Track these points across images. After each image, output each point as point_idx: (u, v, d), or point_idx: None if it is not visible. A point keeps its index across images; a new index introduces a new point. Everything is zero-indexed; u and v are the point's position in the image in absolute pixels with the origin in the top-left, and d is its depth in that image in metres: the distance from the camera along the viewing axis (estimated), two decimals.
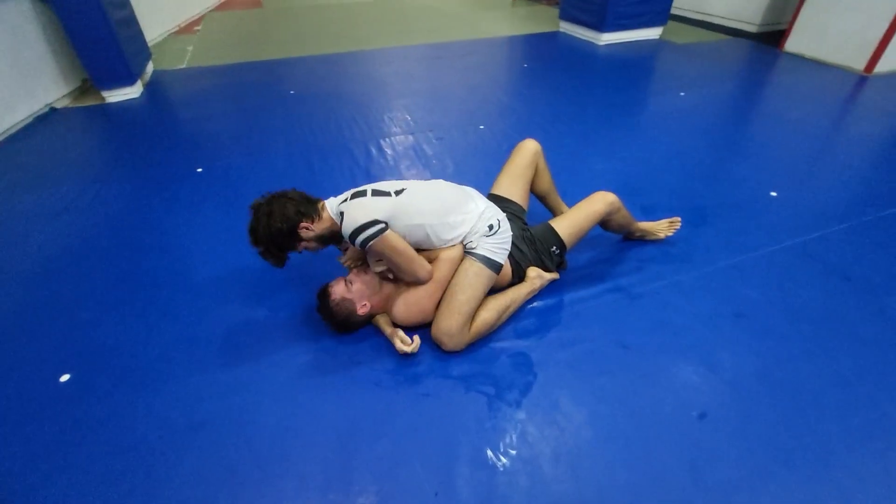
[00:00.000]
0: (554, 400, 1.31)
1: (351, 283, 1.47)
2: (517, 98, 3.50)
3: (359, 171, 2.50)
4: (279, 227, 1.35)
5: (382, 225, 1.33)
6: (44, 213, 2.23)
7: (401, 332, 1.45)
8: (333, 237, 1.47)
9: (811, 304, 1.59)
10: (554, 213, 1.93)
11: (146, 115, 3.33)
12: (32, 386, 1.40)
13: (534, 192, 1.85)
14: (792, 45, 4.19)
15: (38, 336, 1.57)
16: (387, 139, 2.85)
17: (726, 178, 2.35)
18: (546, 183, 1.84)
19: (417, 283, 1.46)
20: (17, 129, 3.04)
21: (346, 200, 1.41)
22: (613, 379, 1.37)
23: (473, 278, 1.46)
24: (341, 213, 1.37)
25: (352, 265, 1.61)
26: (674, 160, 2.53)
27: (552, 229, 1.62)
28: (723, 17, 5.18)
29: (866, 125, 2.90)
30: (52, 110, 3.33)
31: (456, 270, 1.48)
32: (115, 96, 3.46)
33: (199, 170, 2.55)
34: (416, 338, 1.43)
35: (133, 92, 3.51)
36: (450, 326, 1.40)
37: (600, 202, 1.63)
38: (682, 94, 3.40)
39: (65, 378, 1.41)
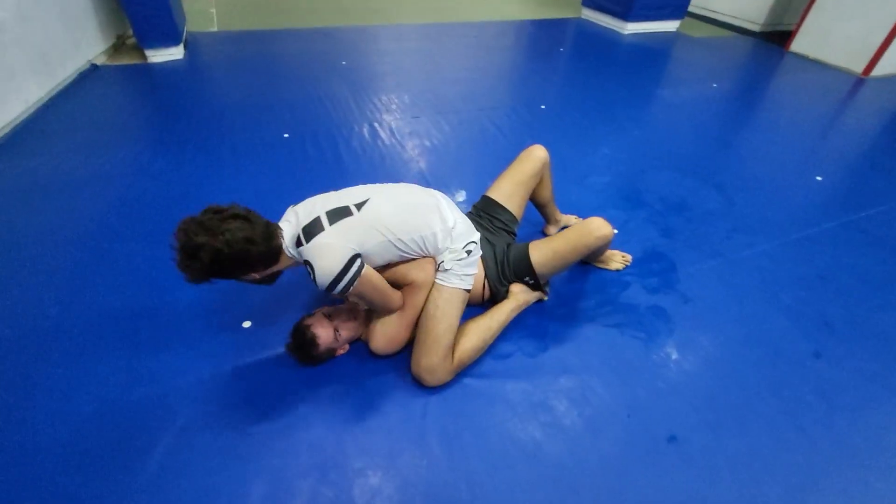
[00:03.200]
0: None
1: (340, 332, 1.37)
2: (549, 82, 3.66)
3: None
4: (225, 267, 1.10)
5: (358, 263, 1.18)
6: (98, 177, 2.18)
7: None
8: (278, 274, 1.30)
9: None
10: (548, 222, 1.93)
11: (192, 78, 3.24)
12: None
13: (533, 200, 1.77)
14: (797, 45, 4.56)
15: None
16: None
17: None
18: (547, 192, 1.77)
19: (389, 312, 1.37)
20: (64, 85, 2.90)
21: (300, 240, 1.19)
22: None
23: (445, 306, 1.34)
24: (305, 261, 1.19)
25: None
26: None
27: (527, 258, 1.47)
28: (727, 15, 5.50)
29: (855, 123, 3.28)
30: (94, 67, 3.18)
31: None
32: (159, 56, 3.33)
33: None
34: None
35: (177, 53, 3.40)
36: (430, 363, 1.31)
37: (591, 236, 1.44)
38: (714, 85, 3.68)
39: None
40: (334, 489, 1.13)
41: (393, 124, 2.79)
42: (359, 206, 1.26)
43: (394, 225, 1.27)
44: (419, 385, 1.36)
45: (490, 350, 1.48)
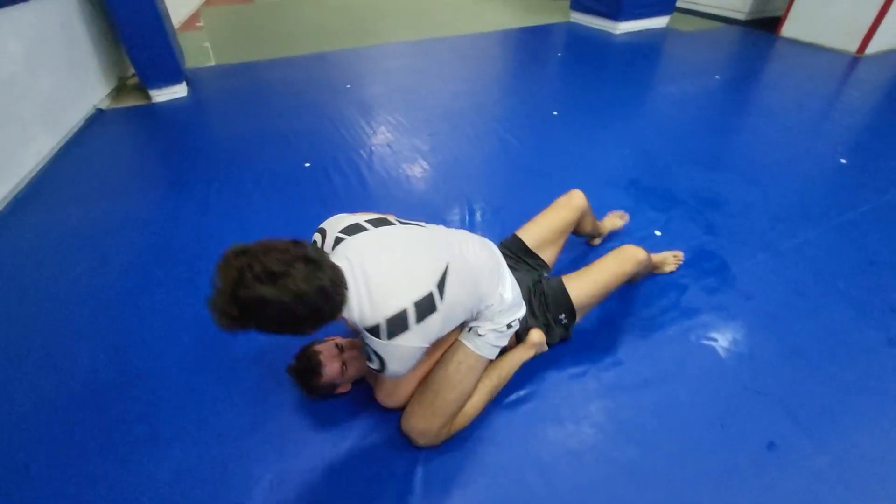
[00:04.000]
0: None
1: (346, 368, 1.28)
2: (551, 86, 3.67)
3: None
4: (286, 323, 0.89)
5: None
6: (125, 225, 2.13)
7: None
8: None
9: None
10: (592, 238, 1.90)
11: (201, 114, 3.21)
12: None
13: (578, 234, 1.72)
14: (788, 30, 4.62)
15: None
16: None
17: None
18: (588, 226, 1.70)
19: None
20: (73, 133, 2.85)
21: (378, 331, 0.97)
22: None
23: (467, 373, 1.21)
24: (374, 350, 1.01)
25: None
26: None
27: (565, 293, 1.37)
28: (712, 6, 5.58)
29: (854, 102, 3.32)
30: (100, 112, 3.13)
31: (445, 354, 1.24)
32: (164, 95, 3.29)
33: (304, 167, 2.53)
34: None
35: (181, 91, 3.36)
36: (428, 427, 1.18)
37: (630, 262, 1.43)
38: (717, 76, 3.70)
39: None
40: None
41: (411, 143, 2.77)
42: (440, 287, 1.04)
43: (467, 310, 1.16)
44: (408, 442, 1.23)
45: (559, 368, 1.45)
